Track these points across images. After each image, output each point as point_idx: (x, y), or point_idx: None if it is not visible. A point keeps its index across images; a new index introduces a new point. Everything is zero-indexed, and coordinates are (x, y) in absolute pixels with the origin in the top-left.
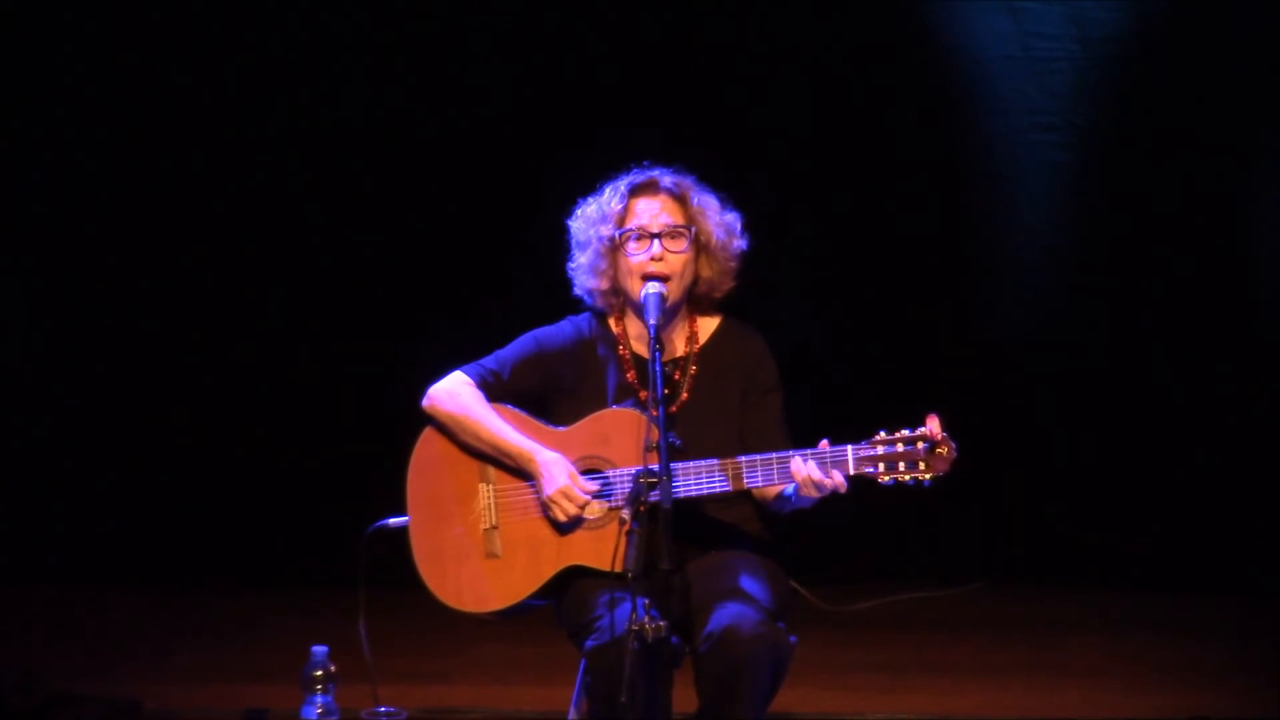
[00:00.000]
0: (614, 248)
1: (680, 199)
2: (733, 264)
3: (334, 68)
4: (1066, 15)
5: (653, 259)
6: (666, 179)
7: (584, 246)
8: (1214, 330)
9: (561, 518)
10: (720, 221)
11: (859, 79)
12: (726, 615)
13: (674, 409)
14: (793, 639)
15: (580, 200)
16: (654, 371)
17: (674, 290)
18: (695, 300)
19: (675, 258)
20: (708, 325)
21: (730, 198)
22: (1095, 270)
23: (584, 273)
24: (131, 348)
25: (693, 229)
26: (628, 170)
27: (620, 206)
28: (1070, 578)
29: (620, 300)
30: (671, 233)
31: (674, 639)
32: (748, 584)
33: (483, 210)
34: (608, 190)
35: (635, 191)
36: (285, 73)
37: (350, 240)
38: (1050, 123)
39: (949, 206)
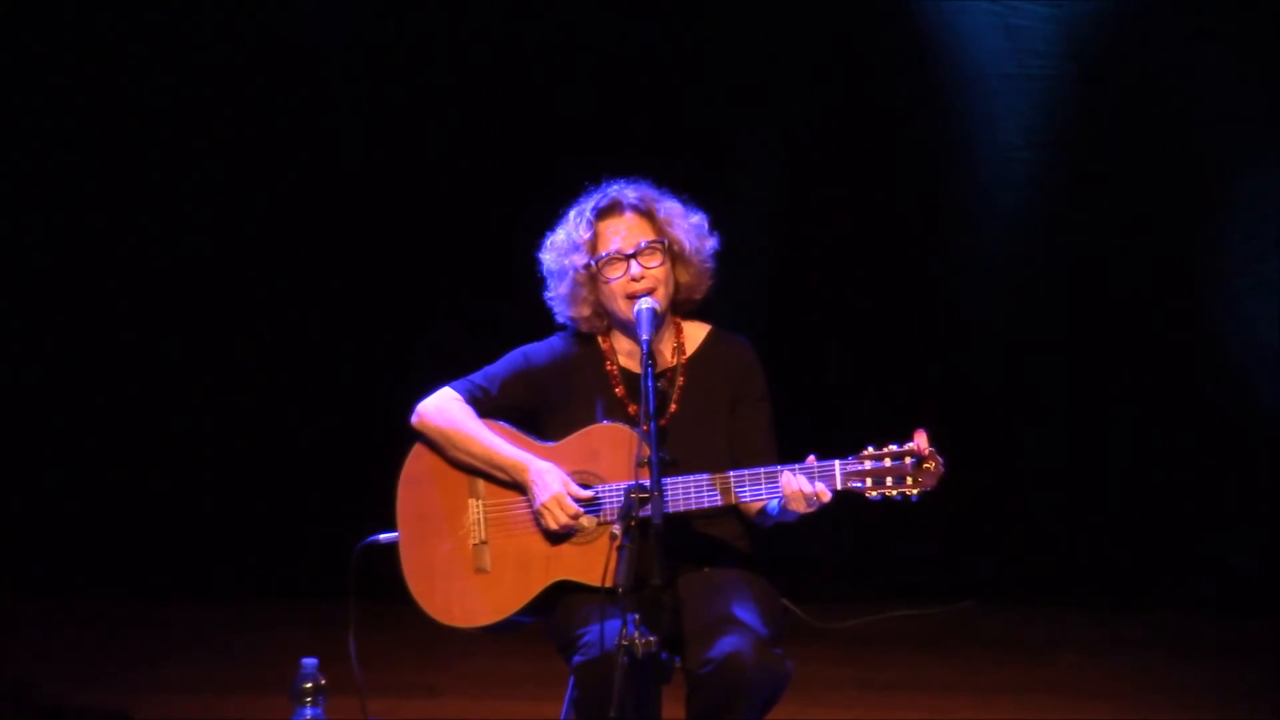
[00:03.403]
0: (591, 275)
1: (646, 214)
2: (708, 264)
3: (332, 89)
4: (1061, 33)
5: (633, 279)
6: (629, 195)
7: (560, 277)
8: (1208, 350)
9: (553, 525)
10: (688, 227)
11: (851, 93)
12: (729, 643)
13: (663, 421)
14: (789, 665)
15: (548, 231)
16: (647, 388)
17: (660, 302)
18: (676, 306)
19: (654, 272)
20: (694, 335)
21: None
22: (1089, 288)
23: (563, 302)
24: (127, 361)
25: (664, 240)
26: (587, 192)
27: (589, 234)
28: (1061, 596)
29: (605, 321)
30: (645, 250)
31: (663, 654)
32: (746, 609)
33: (474, 227)
34: (573, 217)
35: (601, 215)
36: (271, 101)
37: (342, 256)
38: (1043, 140)
39: (940, 223)
